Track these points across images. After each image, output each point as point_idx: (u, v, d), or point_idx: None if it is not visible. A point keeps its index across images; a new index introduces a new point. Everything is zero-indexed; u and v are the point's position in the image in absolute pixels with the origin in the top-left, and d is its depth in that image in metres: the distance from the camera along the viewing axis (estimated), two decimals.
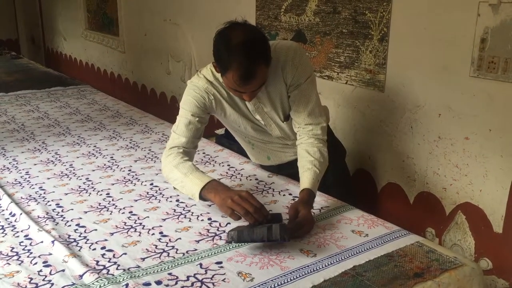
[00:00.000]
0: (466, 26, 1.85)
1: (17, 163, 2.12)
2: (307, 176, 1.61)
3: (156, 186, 1.86)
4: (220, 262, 1.33)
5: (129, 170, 2.03)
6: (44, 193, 1.81)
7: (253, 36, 1.51)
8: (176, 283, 1.24)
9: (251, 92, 1.56)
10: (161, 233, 1.50)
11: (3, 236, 1.49)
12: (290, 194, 1.78)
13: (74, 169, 2.05)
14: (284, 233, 1.33)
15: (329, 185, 1.82)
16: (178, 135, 1.68)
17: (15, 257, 1.37)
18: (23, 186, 1.87)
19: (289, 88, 1.68)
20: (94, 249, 1.41)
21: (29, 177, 1.96)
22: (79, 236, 1.49)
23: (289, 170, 1.90)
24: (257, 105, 1.71)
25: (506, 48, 1.74)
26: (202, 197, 1.53)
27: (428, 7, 1.99)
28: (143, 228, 1.53)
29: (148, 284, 1.23)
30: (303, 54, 1.70)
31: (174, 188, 1.69)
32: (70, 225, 1.56)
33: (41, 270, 1.30)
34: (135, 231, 1.52)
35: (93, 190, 1.83)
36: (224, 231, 1.51)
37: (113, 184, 1.89)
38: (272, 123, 1.77)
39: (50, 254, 1.38)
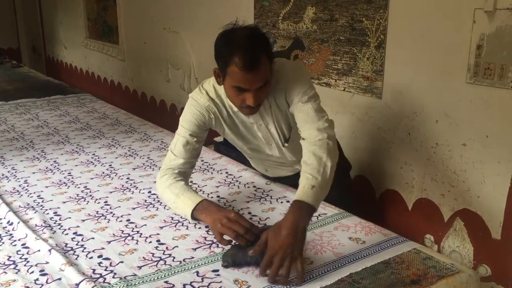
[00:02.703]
0: (462, 33, 1.85)
1: (16, 172, 2.13)
2: (299, 185, 1.43)
3: (154, 194, 1.86)
4: (217, 270, 1.33)
5: (127, 178, 2.03)
6: (42, 201, 1.81)
7: (255, 31, 1.51)
8: None
9: (256, 92, 1.48)
10: (158, 241, 1.50)
11: (0, 245, 1.49)
12: (288, 202, 1.78)
13: (72, 177, 2.05)
14: None
15: (330, 200, 1.78)
16: (176, 156, 1.65)
17: (12, 266, 1.37)
18: (21, 195, 1.88)
19: (289, 107, 1.62)
20: (91, 257, 1.41)
21: (27, 186, 1.97)
22: (76, 244, 1.49)
23: (287, 181, 1.91)
24: (259, 123, 1.67)
25: (502, 55, 1.75)
26: (194, 218, 1.52)
27: (424, 14, 2.00)
28: (140, 236, 1.53)
29: None
30: (300, 70, 1.65)
31: (169, 208, 1.69)
32: (67, 234, 1.56)
33: (37, 279, 1.30)
34: (132, 239, 1.52)
35: (91, 198, 1.84)
36: None
37: (111, 192, 1.90)
38: (273, 142, 1.74)
39: (47, 262, 1.38)
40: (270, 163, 1.89)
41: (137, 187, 1.94)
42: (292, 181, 1.89)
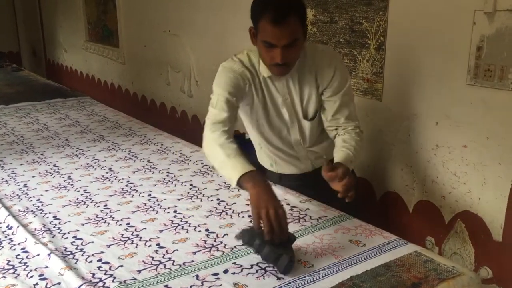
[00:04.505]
0: (462, 35, 1.85)
1: (15, 176, 2.12)
2: (339, 155, 1.63)
3: (154, 197, 1.85)
4: (217, 274, 1.33)
5: (127, 182, 2.03)
6: (42, 205, 1.81)
7: None
8: None
9: (283, 49, 1.55)
10: (158, 244, 1.50)
11: None
12: (288, 204, 1.77)
13: (72, 181, 2.05)
14: (289, 268, 1.30)
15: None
16: (219, 110, 1.63)
17: (11, 270, 1.36)
18: (21, 199, 1.87)
19: (324, 92, 1.72)
20: (91, 261, 1.40)
21: (27, 190, 1.96)
22: (76, 248, 1.48)
23: (289, 182, 1.91)
24: (285, 97, 1.74)
25: (502, 56, 1.74)
26: (239, 184, 1.46)
27: (424, 15, 2.00)
28: (140, 240, 1.53)
29: None
30: (341, 61, 1.78)
31: (212, 168, 1.66)
32: (67, 238, 1.55)
33: (37, 284, 1.29)
34: (132, 243, 1.51)
35: (91, 202, 1.83)
36: (221, 242, 1.50)
37: (111, 195, 1.89)
38: (295, 120, 1.78)
39: (47, 267, 1.37)
40: (280, 154, 1.89)
41: (137, 191, 1.93)
42: (294, 181, 1.89)
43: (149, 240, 1.53)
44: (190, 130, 3.67)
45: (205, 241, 1.51)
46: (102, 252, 1.46)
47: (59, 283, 1.29)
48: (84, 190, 1.95)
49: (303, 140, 1.82)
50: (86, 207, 1.79)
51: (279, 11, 1.52)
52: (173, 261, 1.40)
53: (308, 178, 1.91)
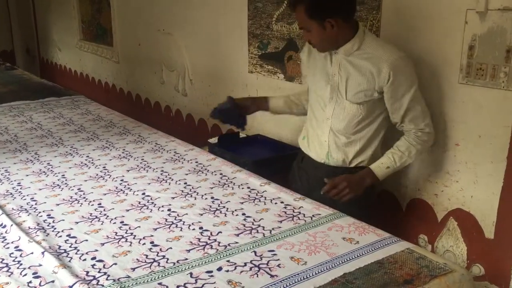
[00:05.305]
0: (454, 34, 1.86)
1: (9, 174, 2.12)
2: (381, 159, 1.90)
3: (148, 196, 1.86)
4: (211, 271, 1.33)
5: (121, 180, 2.03)
6: (36, 204, 1.81)
7: None
8: None
9: (303, 31, 1.84)
10: (152, 242, 1.50)
11: None
12: (282, 202, 1.78)
13: (66, 180, 2.05)
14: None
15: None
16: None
17: (5, 269, 1.37)
18: (15, 197, 1.87)
19: (385, 93, 1.82)
20: (85, 259, 1.41)
21: (20, 188, 1.96)
22: (70, 246, 1.48)
23: (306, 166, 2.02)
24: (334, 73, 1.88)
25: (493, 55, 1.76)
26: None
27: (417, 15, 2.01)
28: (134, 238, 1.53)
29: None
30: (406, 65, 1.82)
31: None
32: (61, 236, 1.55)
33: (30, 282, 1.30)
34: (126, 241, 1.52)
35: (85, 201, 1.83)
36: (215, 240, 1.51)
37: (105, 194, 1.89)
38: (335, 97, 1.88)
39: (40, 265, 1.37)
40: (311, 129, 2.01)
41: (131, 189, 1.93)
42: (310, 168, 2.00)
43: (143, 238, 1.53)
44: (185, 129, 3.67)
45: (199, 239, 1.52)
46: (96, 250, 1.46)
47: (52, 281, 1.29)
48: (78, 189, 1.95)
49: (335, 121, 1.90)
50: (80, 206, 1.79)
51: (290, 0, 1.83)
52: (167, 259, 1.40)
53: (323, 171, 1.94)
